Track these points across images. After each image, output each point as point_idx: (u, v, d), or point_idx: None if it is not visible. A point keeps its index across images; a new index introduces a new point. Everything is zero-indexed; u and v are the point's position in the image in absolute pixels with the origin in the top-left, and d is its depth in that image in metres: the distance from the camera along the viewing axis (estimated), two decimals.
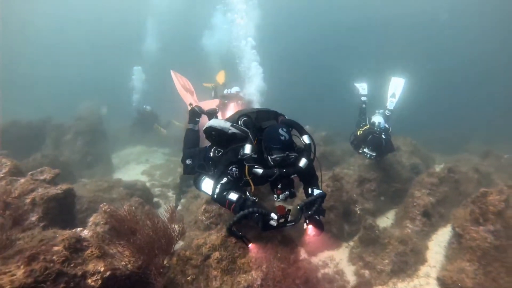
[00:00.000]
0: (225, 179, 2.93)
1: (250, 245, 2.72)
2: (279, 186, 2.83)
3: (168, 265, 3.31)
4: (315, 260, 5.03)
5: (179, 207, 6.81)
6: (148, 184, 8.57)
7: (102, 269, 2.58)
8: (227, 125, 3.14)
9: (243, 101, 8.28)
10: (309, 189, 3.14)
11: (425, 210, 5.13)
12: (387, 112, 6.64)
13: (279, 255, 3.10)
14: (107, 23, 35.14)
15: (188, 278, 3.06)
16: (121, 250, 3.04)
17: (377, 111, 6.83)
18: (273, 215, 2.60)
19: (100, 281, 2.51)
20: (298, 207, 2.85)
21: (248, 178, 2.94)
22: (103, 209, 3.74)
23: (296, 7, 33.90)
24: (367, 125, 6.54)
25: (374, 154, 5.90)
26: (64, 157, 9.10)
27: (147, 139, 13.31)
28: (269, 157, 2.76)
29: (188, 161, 3.82)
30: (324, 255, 5.12)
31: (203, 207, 4.53)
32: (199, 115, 4.25)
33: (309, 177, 3.17)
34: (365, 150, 6.02)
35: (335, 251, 5.21)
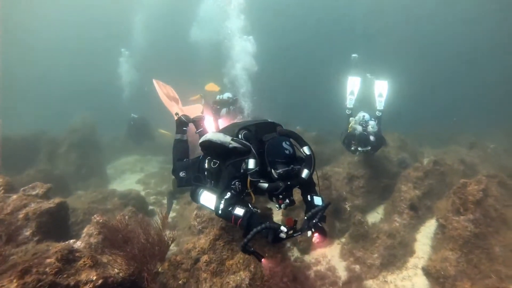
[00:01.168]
0: (228, 194, 2.89)
1: (262, 260, 2.71)
2: (280, 197, 2.86)
3: (161, 270, 3.43)
4: (308, 258, 5.16)
5: (173, 214, 6.92)
6: (143, 193, 8.68)
7: (94, 278, 2.67)
8: (228, 139, 3.06)
9: (235, 106, 8.40)
10: (308, 196, 3.17)
11: (412, 203, 5.27)
12: (377, 113, 6.60)
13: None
14: (95, 21, 34.64)
15: (180, 282, 3.17)
16: (114, 259, 3.14)
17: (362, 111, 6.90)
18: (282, 228, 2.62)
19: None
20: (306, 218, 2.87)
21: (249, 190, 2.99)
22: (96, 220, 3.84)
23: (284, 3, 33.99)
24: (352, 122, 6.63)
25: (366, 149, 5.96)
26: (59, 170, 9.18)
27: (141, 148, 13.38)
28: (273, 171, 2.77)
29: (182, 174, 3.77)
30: (316, 253, 5.25)
31: (195, 212, 4.67)
32: (186, 125, 4.23)
33: (308, 185, 3.19)
34: (356, 147, 6.10)
35: (327, 248, 5.33)
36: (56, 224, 4.01)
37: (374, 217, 5.94)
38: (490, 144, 8.61)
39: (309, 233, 2.79)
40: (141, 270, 3.20)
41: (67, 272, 2.65)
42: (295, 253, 5.25)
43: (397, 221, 5.21)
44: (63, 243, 3.00)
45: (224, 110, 8.35)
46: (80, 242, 3.48)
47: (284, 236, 2.63)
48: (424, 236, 5.09)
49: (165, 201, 7.88)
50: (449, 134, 12.00)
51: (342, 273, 4.70)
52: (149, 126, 11.76)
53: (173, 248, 4.71)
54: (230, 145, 3.01)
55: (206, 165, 3.50)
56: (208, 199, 3.21)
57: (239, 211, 2.77)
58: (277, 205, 2.95)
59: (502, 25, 26.23)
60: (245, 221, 2.71)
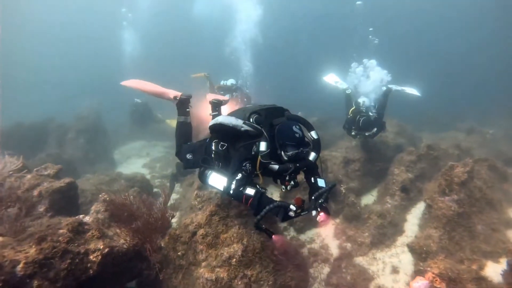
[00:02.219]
0: (240, 175, 3.01)
1: (273, 236, 2.90)
2: (287, 178, 3.05)
3: (163, 245, 3.74)
4: (303, 237, 5.45)
5: (177, 196, 7.25)
6: (148, 177, 9.03)
7: (101, 247, 2.99)
8: (239, 122, 3.16)
9: (238, 93, 8.60)
10: (312, 178, 3.32)
11: (403, 186, 5.49)
12: (383, 88, 6.74)
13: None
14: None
15: (179, 253, 3.47)
16: (120, 232, 3.46)
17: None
18: (292, 206, 2.80)
19: (100, 257, 2.92)
20: (313, 198, 3.03)
21: (258, 172, 3.13)
22: (103, 198, 4.15)
23: None
24: (353, 107, 6.80)
25: (367, 134, 6.13)
26: (68, 155, 9.55)
27: (147, 134, 13.69)
28: (283, 153, 2.93)
29: (188, 156, 3.81)
30: (311, 232, 5.53)
31: (195, 192, 4.95)
32: (188, 103, 4.23)
33: (313, 168, 3.35)
34: (357, 131, 6.28)
35: (322, 228, 5.59)
36: (67, 202, 4.34)
37: (369, 199, 6.17)
38: (489, 130, 8.68)
39: (314, 212, 2.97)
40: (144, 242, 3.52)
41: (78, 242, 2.97)
42: (291, 232, 5.53)
43: (388, 202, 5.44)
44: (74, 218, 3.30)
45: (227, 96, 8.58)
46: (89, 217, 3.79)
47: (293, 215, 2.82)
48: (414, 217, 5.32)
49: (169, 184, 8.21)
50: (449, 120, 12.06)
51: (334, 251, 4.98)
52: (151, 111, 11.79)
53: (176, 227, 5.03)
54: (242, 128, 3.12)
55: (213, 148, 3.57)
56: (216, 180, 3.29)
57: (250, 191, 2.92)
58: (283, 187, 3.13)
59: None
60: (255, 200, 2.87)
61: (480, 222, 4.23)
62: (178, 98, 4.24)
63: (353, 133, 6.46)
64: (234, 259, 3.20)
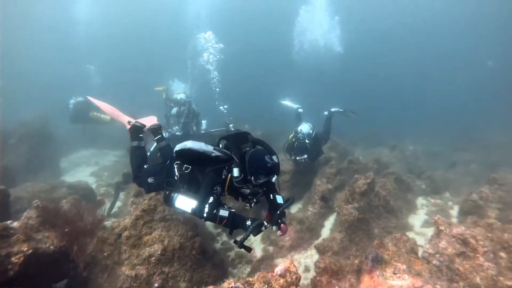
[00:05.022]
0: (211, 199, 3.17)
1: (251, 251, 3.30)
2: (249, 197, 3.37)
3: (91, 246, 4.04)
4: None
5: (121, 204, 7.45)
6: (95, 185, 9.06)
7: (25, 249, 3.25)
8: (210, 148, 3.35)
9: (185, 107, 9.04)
10: (271, 195, 3.58)
11: (323, 195, 6.22)
12: (325, 113, 7.91)
13: (179, 232, 3.95)
14: None
15: (105, 254, 3.82)
16: (47, 235, 3.72)
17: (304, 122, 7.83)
18: (264, 222, 3.20)
19: (22, 258, 3.18)
20: (278, 213, 3.37)
21: (226, 193, 3.45)
22: (36, 204, 4.34)
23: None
24: (292, 134, 7.49)
25: (303, 158, 6.75)
26: (7, 162, 9.25)
27: (98, 142, 13.51)
28: (253, 178, 3.15)
29: (150, 180, 3.79)
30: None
31: (131, 199, 5.27)
32: (142, 131, 4.25)
33: (272, 186, 3.66)
34: (294, 156, 6.95)
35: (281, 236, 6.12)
36: None
37: (297, 207, 6.85)
38: (409, 146, 9.88)
39: (275, 227, 3.41)
40: (72, 244, 3.81)
41: (0, 246, 3.21)
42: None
43: (309, 210, 6.13)
44: None
45: (175, 110, 9.01)
46: (17, 223, 3.98)
47: (264, 229, 3.24)
48: (330, 223, 6.05)
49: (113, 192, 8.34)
50: (386, 137, 13.39)
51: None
52: (87, 110, 10.70)
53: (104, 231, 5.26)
54: (213, 154, 3.34)
55: (177, 171, 3.65)
56: (184, 202, 3.38)
57: (223, 213, 3.17)
58: (247, 205, 3.49)
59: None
60: (230, 221, 3.20)
61: (377, 226, 5.04)
62: (131, 124, 4.26)
63: (292, 158, 7.09)
64: (154, 258, 3.62)
